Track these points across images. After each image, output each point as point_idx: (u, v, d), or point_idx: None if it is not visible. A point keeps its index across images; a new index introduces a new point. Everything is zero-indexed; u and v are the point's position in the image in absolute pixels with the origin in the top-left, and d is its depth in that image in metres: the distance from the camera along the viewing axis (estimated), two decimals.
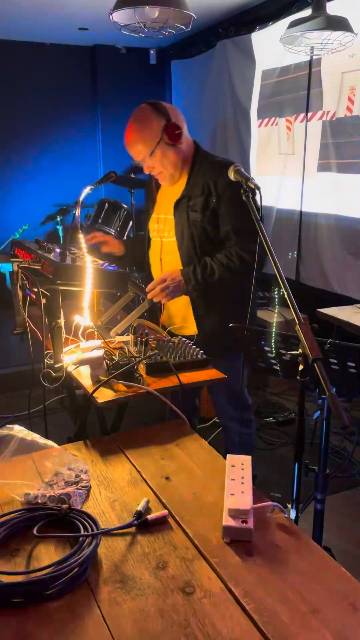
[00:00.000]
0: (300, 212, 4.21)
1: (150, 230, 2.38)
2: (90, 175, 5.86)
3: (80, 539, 1.14)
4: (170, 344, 2.01)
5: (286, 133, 4.31)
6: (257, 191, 1.66)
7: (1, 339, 3.32)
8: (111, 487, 1.38)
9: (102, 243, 2.42)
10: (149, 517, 1.23)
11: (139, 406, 2.41)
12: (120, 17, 2.19)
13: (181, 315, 2.31)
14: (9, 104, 5.62)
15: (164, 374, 1.83)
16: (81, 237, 2.10)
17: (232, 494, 1.24)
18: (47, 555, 1.14)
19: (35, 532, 1.17)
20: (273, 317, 3.59)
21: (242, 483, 1.28)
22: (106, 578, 1.08)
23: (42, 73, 5.70)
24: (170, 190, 2.27)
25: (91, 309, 2.08)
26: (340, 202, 3.82)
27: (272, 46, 4.13)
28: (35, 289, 1.86)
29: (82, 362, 1.80)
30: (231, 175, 1.76)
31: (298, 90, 4.09)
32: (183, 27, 2.23)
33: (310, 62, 3.89)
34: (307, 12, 2.94)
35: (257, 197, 1.63)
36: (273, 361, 1.68)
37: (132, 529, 1.21)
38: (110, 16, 2.18)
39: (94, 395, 1.69)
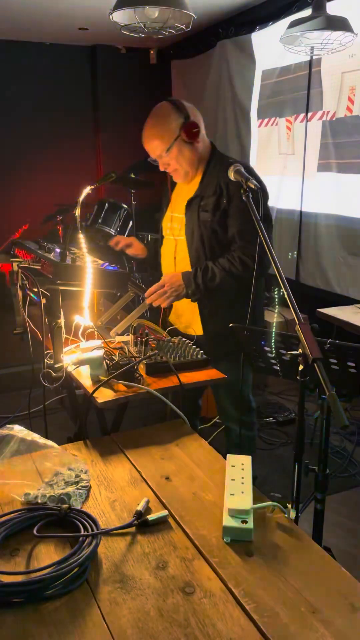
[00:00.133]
0: (300, 212, 4.21)
1: (164, 229, 2.39)
2: (90, 175, 5.86)
3: (80, 539, 1.14)
4: (170, 344, 2.01)
5: (286, 133, 4.31)
6: (259, 192, 1.66)
7: (1, 339, 3.32)
8: (111, 487, 1.38)
9: (126, 246, 2.44)
10: (149, 517, 1.23)
11: (139, 406, 2.42)
12: (120, 17, 2.20)
13: (187, 315, 2.31)
14: (9, 103, 5.62)
15: (164, 374, 1.83)
16: (81, 237, 2.10)
17: (232, 494, 1.24)
18: (47, 555, 1.14)
19: (35, 532, 1.17)
20: (273, 317, 3.59)
21: (242, 483, 1.29)
22: (106, 578, 1.08)
23: (42, 73, 5.70)
24: (185, 190, 2.28)
25: (91, 309, 2.08)
26: (341, 202, 3.82)
27: (272, 46, 4.14)
28: (35, 289, 1.86)
29: (82, 362, 1.80)
30: (231, 175, 1.76)
31: (298, 90, 4.09)
32: (183, 27, 2.23)
33: (310, 62, 3.89)
34: (307, 12, 2.94)
35: (263, 198, 1.62)
36: (273, 361, 1.68)
37: (132, 529, 1.21)
38: (110, 16, 2.18)
39: (94, 395, 1.69)
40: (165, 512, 1.25)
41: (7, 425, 1.50)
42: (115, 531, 1.20)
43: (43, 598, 1.02)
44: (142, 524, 1.22)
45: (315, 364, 1.23)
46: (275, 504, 1.26)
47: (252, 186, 1.67)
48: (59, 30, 5.14)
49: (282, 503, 1.28)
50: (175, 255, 2.30)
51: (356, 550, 2.47)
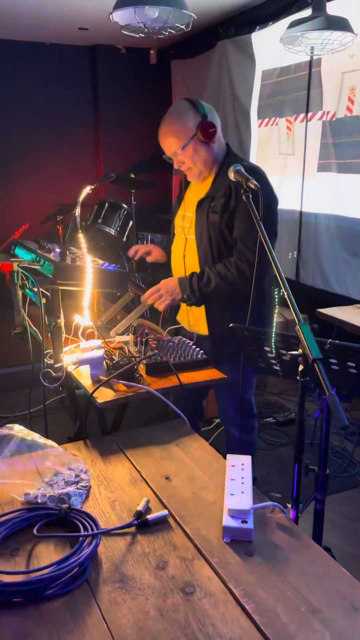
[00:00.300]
0: (301, 212, 4.21)
1: (176, 226, 2.39)
2: (90, 175, 5.86)
3: (80, 538, 1.14)
4: (170, 344, 2.01)
5: (286, 133, 4.31)
6: (259, 192, 1.66)
7: (1, 339, 3.32)
8: (111, 487, 1.38)
9: (146, 254, 2.43)
10: (149, 517, 1.23)
11: (139, 406, 2.42)
12: (120, 17, 2.19)
13: (195, 314, 2.31)
14: (9, 103, 5.61)
15: (164, 374, 1.83)
16: (81, 236, 2.10)
17: (232, 494, 1.24)
18: (47, 555, 1.14)
19: (35, 532, 1.17)
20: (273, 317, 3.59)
21: (242, 483, 1.29)
22: (106, 578, 1.08)
23: (42, 73, 5.70)
24: (197, 189, 2.28)
25: (91, 309, 2.09)
26: (341, 202, 3.82)
27: (272, 46, 4.13)
28: (35, 289, 1.86)
29: (82, 362, 1.80)
30: (231, 175, 1.76)
31: (298, 90, 4.09)
32: (183, 27, 2.23)
33: (310, 62, 3.89)
34: (307, 12, 2.94)
35: (264, 199, 1.62)
36: (273, 361, 1.68)
37: (132, 529, 1.21)
38: (110, 16, 2.18)
39: (94, 395, 1.69)
40: (165, 512, 1.25)
41: (7, 425, 1.50)
42: (115, 531, 1.20)
43: (43, 598, 1.02)
44: (142, 524, 1.22)
45: (315, 364, 1.23)
46: (275, 504, 1.26)
47: (252, 186, 1.67)
48: (59, 30, 5.14)
49: (282, 503, 1.28)
50: (185, 253, 2.30)
51: (356, 550, 2.47)
